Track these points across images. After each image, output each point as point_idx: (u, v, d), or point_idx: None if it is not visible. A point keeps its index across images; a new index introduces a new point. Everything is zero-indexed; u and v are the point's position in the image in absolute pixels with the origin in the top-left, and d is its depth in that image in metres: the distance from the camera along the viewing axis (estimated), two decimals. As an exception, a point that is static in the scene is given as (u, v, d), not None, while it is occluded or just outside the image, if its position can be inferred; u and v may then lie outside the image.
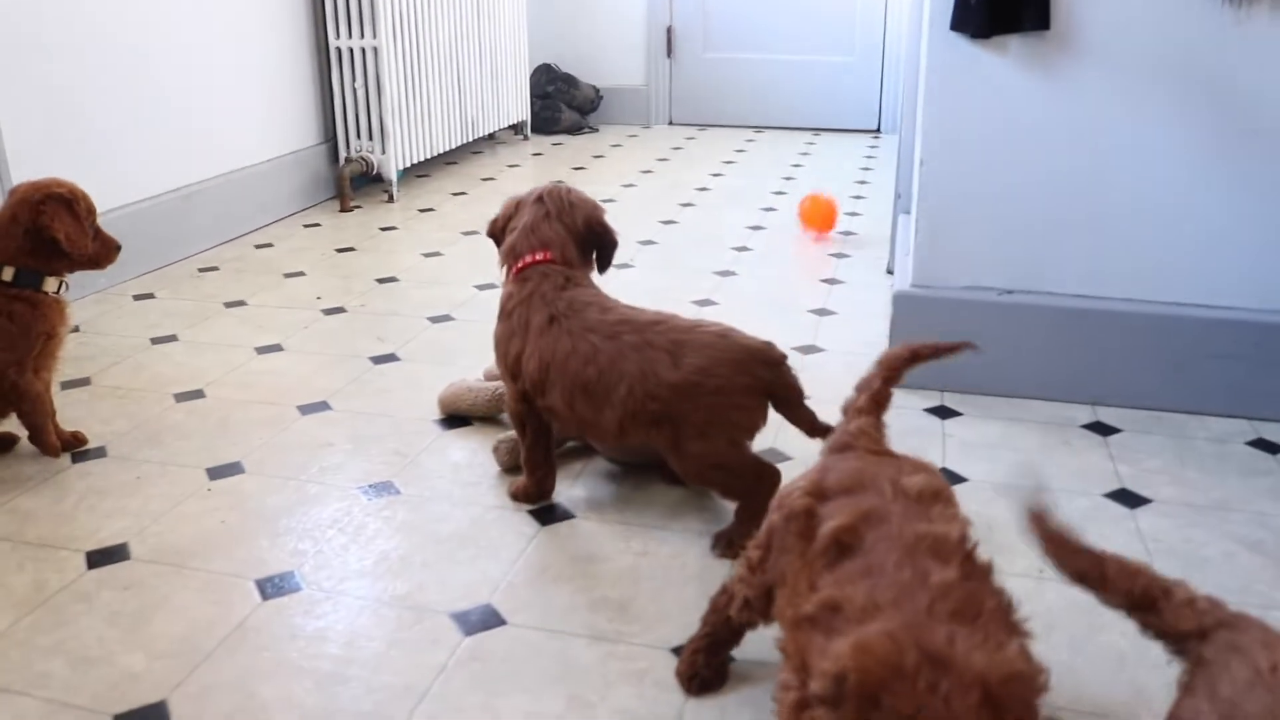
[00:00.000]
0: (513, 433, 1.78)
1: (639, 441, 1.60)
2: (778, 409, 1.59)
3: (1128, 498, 1.71)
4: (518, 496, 1.71)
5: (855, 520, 1.04)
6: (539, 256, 1.69)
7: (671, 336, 1.57)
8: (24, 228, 1.75)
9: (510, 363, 1.66)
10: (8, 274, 1.76)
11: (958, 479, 1.77)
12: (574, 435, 1.78)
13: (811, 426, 1.60)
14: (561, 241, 1.71)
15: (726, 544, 1.56)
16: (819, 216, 3.29)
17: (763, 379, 1.56)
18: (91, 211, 1.83)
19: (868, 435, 1.22)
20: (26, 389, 1.79)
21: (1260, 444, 1.88)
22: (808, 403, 1.60)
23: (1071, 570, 0.99)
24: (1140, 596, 0.96)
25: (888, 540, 1.00)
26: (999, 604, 0.94)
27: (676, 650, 1.34)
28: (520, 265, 1.69)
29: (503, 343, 1.68)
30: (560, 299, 1.64)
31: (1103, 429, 1.95)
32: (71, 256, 1.79)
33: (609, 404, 1.56)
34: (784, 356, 1.59)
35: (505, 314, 1.69)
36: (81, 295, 2.67)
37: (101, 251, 1.86)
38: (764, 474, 1.58)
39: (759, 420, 1.58)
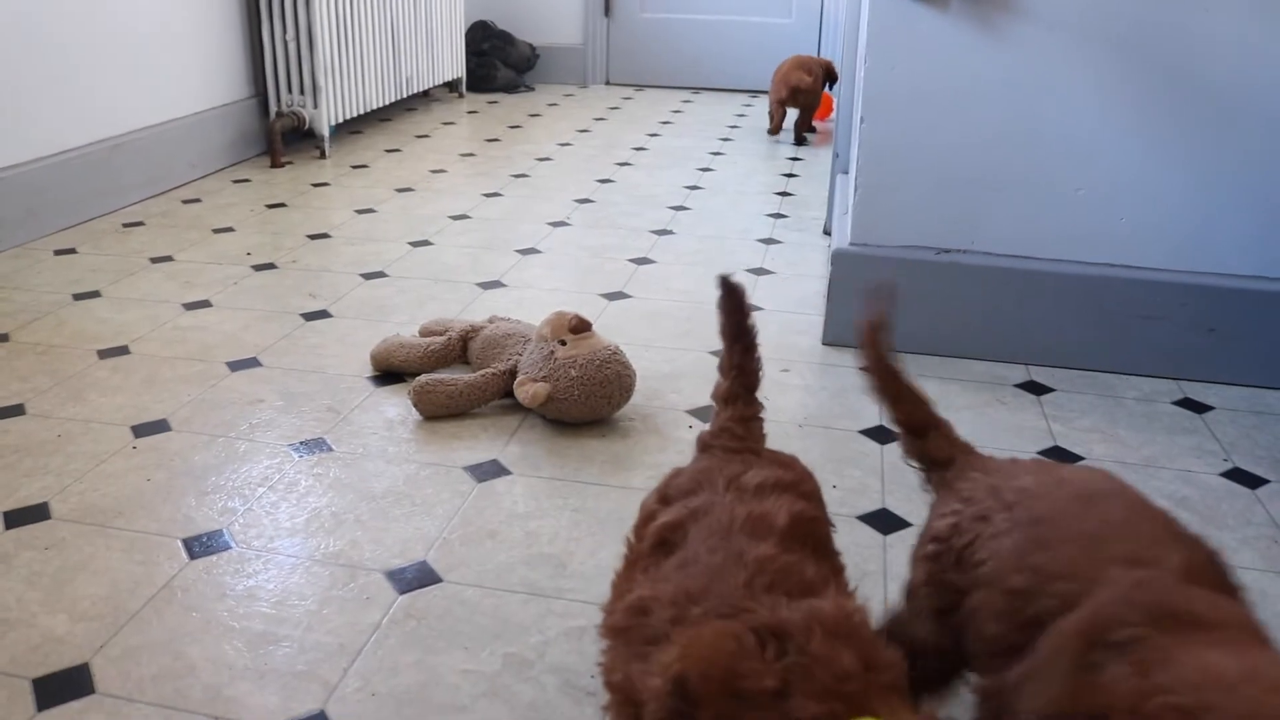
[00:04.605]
0: (432, 376, 1.83)
1: None
2: None
3: (1061, 455, 1.73)
4: None
5: (682, 517, 0.99)
6: None
7: None
8: None
9: None
10: None
11: (892, 437, 1.78)
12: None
13: None
14: None
15: None
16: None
17: None
18: None
19: (728, 433, 1.14)
20: None
21: (1185, 403, 1.92)
22: None
23: (878, 381, 1.13)
24: (919, 423, 1.10)
25: (705, 529, 0.95)
26: (819, 571, 0.90)
27: (614, 607, 1.33)
28: None
29: None
30: None
31: (1036, 388, 1.97)
32: None
33: None
34: None
35: None
36: (-2, 249, 2.59)
37: None
38: None
39: None
